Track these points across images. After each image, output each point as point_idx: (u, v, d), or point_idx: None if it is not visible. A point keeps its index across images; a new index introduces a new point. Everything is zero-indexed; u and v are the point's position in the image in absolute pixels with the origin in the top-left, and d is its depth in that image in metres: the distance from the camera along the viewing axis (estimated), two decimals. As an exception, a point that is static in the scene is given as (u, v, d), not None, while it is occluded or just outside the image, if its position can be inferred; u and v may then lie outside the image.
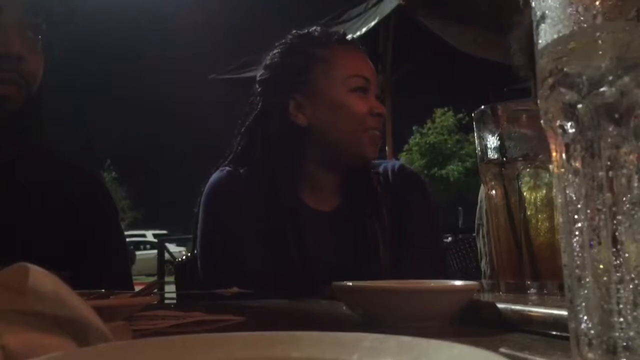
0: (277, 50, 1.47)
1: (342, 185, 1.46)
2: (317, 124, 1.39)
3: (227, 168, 1.44)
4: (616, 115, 0.32)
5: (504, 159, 0.91)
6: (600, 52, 0.33)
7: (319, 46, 1.43)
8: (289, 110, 1.40)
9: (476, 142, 0.97)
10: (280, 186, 1.37)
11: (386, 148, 5.62)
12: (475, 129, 0.96)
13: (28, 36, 1.11)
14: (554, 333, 0.58)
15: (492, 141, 0.92)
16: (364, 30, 4.74)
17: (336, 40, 1.45)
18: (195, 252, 1.44)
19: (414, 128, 30.54)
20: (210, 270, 1.38)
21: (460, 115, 28.66)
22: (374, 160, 1.50)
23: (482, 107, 0.94)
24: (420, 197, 1.51)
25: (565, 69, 0.34)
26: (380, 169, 1.50)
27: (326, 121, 1.39)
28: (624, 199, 0.32)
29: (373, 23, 4.82)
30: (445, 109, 29.52)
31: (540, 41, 0.36)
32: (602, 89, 0.32)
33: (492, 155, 0.93)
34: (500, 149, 0.91)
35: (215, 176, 1.43)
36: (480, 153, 0.96)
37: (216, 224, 1.39)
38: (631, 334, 0.31)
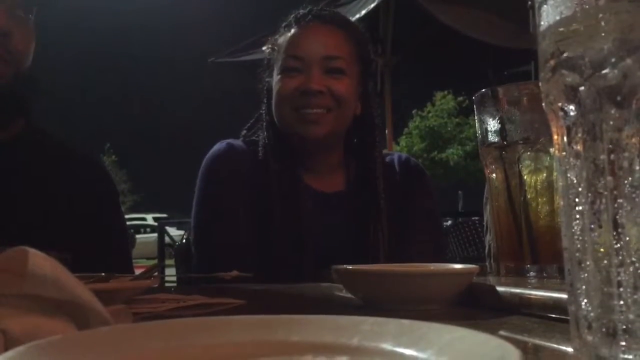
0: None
1: (346, 168, 1.46)
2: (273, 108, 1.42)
3: (228, 140, 1.46)
4: (618, 98, 0.32)
5: (505, 142, 0.90)
6: (603, 34, 0.32)
7: (283, 28, 1.43)
8: (269, 95, 1.43)
9: (477, 125, 0.96)
10: (273, 165, 1.38)
11: (386, 132, 5.61)
12: (475, 112, 0.96)
13: (17, 14, 1.11)
14: (553, 316, 0.58)
15: (493, 124, 0.92)
16: (363, 12, 4.71)
17: (294, 19, 1.43)
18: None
19: (413, 111, 30.43)
20: (201, 241, 1.39)
21: (461, 98, 28.54)
22: (385, 151, 1.51)
23: (483, 90, 0.93)
24: (424, 190, 1.51)
25: (567, 51, 0.34)
26: (388, 159, 1.51)
27: (273, 105, 1.41)
28: (625, 182, 0.32)
29: (373, 5, 4.78)
30: (446, 92, 29.39)
31: (542, 23, 0.36)
32: (604, 71, 0.32)
33: (492, 138, 0.92)
34: (501, 132, 0.90)
35: (215, 147, 1.45)
36: (480, 136, 0.96)
37: (211, 194, 1.40)
38: (631, 317, 0.31)
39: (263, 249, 1.33)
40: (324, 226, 1.37)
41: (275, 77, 1.39)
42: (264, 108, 1.45)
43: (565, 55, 0.34)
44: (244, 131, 1.50)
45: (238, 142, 1.45)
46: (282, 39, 1.41)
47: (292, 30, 1.40)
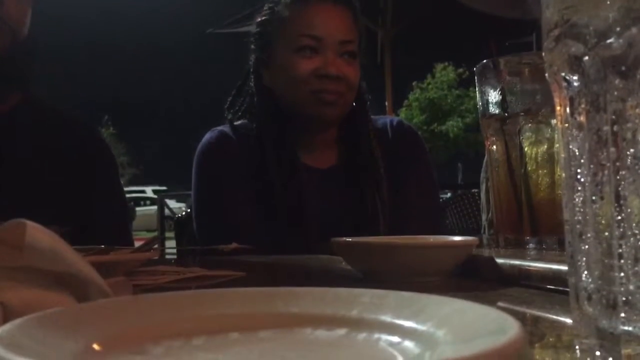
0: (265, 6, 1.45)
1: (339, 142, 1.45)
2: (275, 84, 1.40)
3: (219, 128, 1.45)
4: (622, 68, 0.32)
5: (506, 114, 0.90)
6: (608, 2, 0.32)
7: (282, 4, 1.39)
8: (260, 69, 1.42)
9: (477, 96, 0.96)
10: (269, 143, 1.37)
11: (385, 104, 5.59)
12: (476, 83, 0.95)
13: None
14: (553, 287, 0.58)
15: (494, 96, 0.91)
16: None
17: None
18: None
19: (413, 83, 30.27)
20: (204, 231, 1.40)
21: (461, 70, 28.37)
22: (374, 116, 1.49)
23: (484, 61, 0.93)
24: (419, 152, 1.51)
25: (571, 20, 0.33)
26: (379, 124, 1.50)
27: (278, 82, 1.39)
28: (628, 153, 0.32)
29: (373, -25, 4.73)
30: (446, 63, 29.19)
31: (546, -9, 0.35)
32: (609, 41, 0.31)
33: (493, 110, 0.92)
34: (502, 103, 0.90)
35: (206, 137, 1.44)
36: (481, 108, 0.95)
37: (207, 185, 1.41)
38: (631, 288, 0.31)
39: (264, 230, 1.33)
40: (323, 202, 1.38)
41: (285, 54, 1.36)
42: (253, 83, 1.43)
43: (569, 24, 0.33)
44: (228, 114, 1.47)
45: (228, 129, 1.44)
46: (290, 12, 1.37)
47: (304, 7, 1.36)
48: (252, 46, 1.44)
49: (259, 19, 1.44)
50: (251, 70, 1.43)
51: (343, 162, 1.44)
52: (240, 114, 1.46)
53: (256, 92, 1.42)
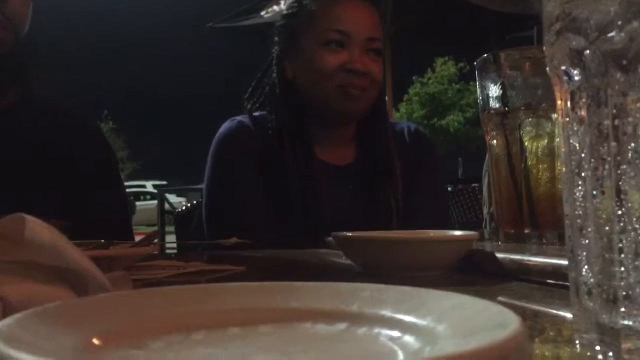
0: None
1: (357, 140, 1.46)
2: (298, 77, 1.40)
3: (238, 118, 1.45)
4: (624, 62, 0.31)
5: (506, 108, 0.90)
6: (610, -4, 0.32)
7: None
8: (283, 62, 1.42)
9: (478, 91, 0.95)
10: (287, 136, 1.37)
11: (385, 98, 5.59)
12: (477, 77, 0.95)
13: None
14: (553, 282, 0.58)
15: (494, 90, 0.91)
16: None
17: None
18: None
19: (414, 78, 30.23)
20: (213, 219, 1.39)
21: (461, 64, 28.33)
22: (392, 120, 1.51)
23: (485, 55, 0.92)
24: (432, 160, 1.53)
25: (573, 14, 0.33)
26: (397, 129, 1.52)
27: (302, 75, 1.39)
28: (629, 147, 0.31)
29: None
30: (446, 57, 29.13)
31: (547, -16, 0.35)
32: (610, 34, 0.31)
33: (493, 104, 0.92)
34: (502, 98, 0.89)
35: (225, 126, 1.44)
36: (481, 102, 0.95)
37: (221, 174, 1.40)
38: (631, 282, 0.31)
39: (275, 223, 1.33)
40: (337, 199, 1.38)
41: (312, 48, 1.36)
42: (274, 77, 1.42)
43: (570, 17, 0.33)
44: (248, 104, 1.47)
45: (247, 120, 1.44)
46: (318, 6, 1.37)
47: (333, 1, 1.37)
48: (276, 38, 1.44)
49: (285, 12, 1.45)
50: (274, 62, 1.43)
51: (360, 160, 1.45)
52: (258, 105, 1.46)
53: (278, 84, 1.42)
